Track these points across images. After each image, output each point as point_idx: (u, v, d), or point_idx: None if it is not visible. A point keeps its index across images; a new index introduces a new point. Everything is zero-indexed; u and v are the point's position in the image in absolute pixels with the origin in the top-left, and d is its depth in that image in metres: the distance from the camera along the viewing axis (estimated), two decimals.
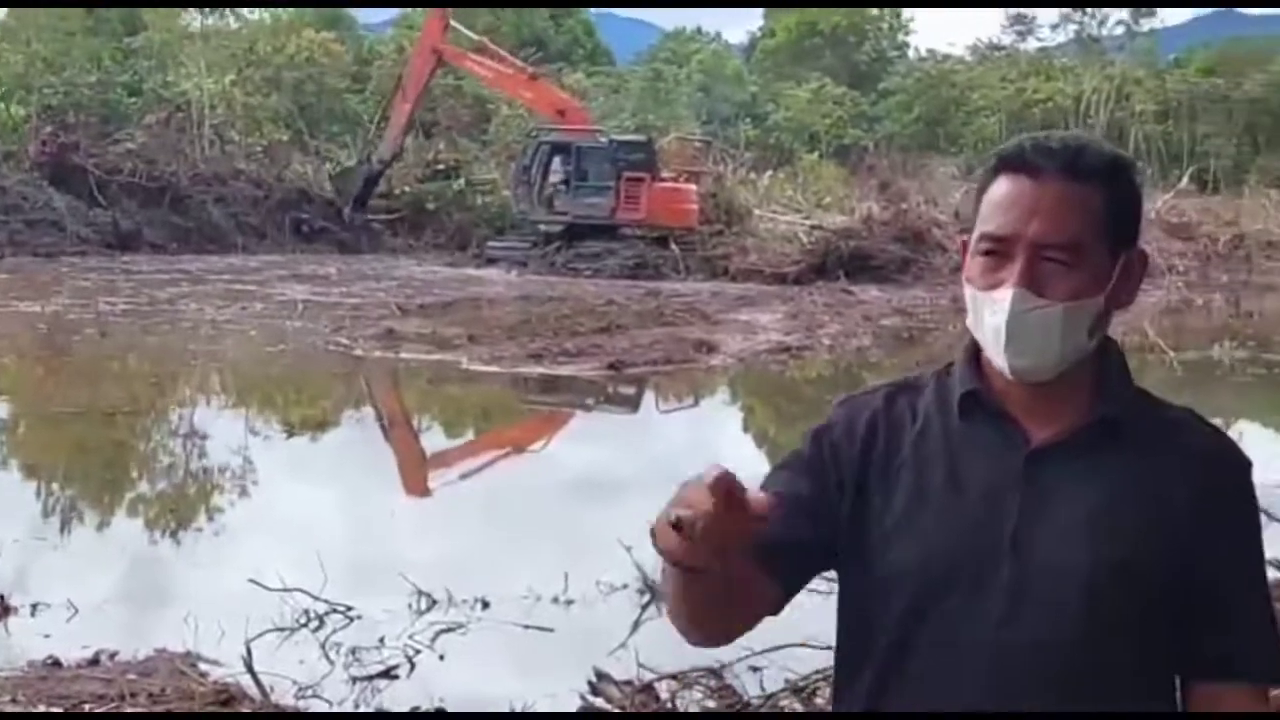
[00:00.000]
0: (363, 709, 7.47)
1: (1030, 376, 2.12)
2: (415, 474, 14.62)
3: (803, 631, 7.42)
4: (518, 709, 7.12)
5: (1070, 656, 2.08)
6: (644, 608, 9.05)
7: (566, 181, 37.92)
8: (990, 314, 2.11)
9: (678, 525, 1.80)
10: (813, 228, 37.89)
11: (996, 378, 2.17)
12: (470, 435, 17.81)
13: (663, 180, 37.54)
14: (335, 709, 7.38)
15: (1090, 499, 2.11)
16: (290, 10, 62.99)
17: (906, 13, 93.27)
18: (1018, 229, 2.09)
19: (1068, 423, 2.15)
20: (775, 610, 2.23)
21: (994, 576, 2.10)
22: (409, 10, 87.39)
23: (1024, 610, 2.08)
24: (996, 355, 2.13)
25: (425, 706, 7.28)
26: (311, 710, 7.33)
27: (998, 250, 2.12)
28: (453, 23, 41.92)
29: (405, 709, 7.37)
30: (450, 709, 7.23)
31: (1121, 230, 2.14)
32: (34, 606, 8.70)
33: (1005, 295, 2.09)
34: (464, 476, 14.19)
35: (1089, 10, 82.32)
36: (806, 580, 2.24)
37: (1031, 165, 2.12)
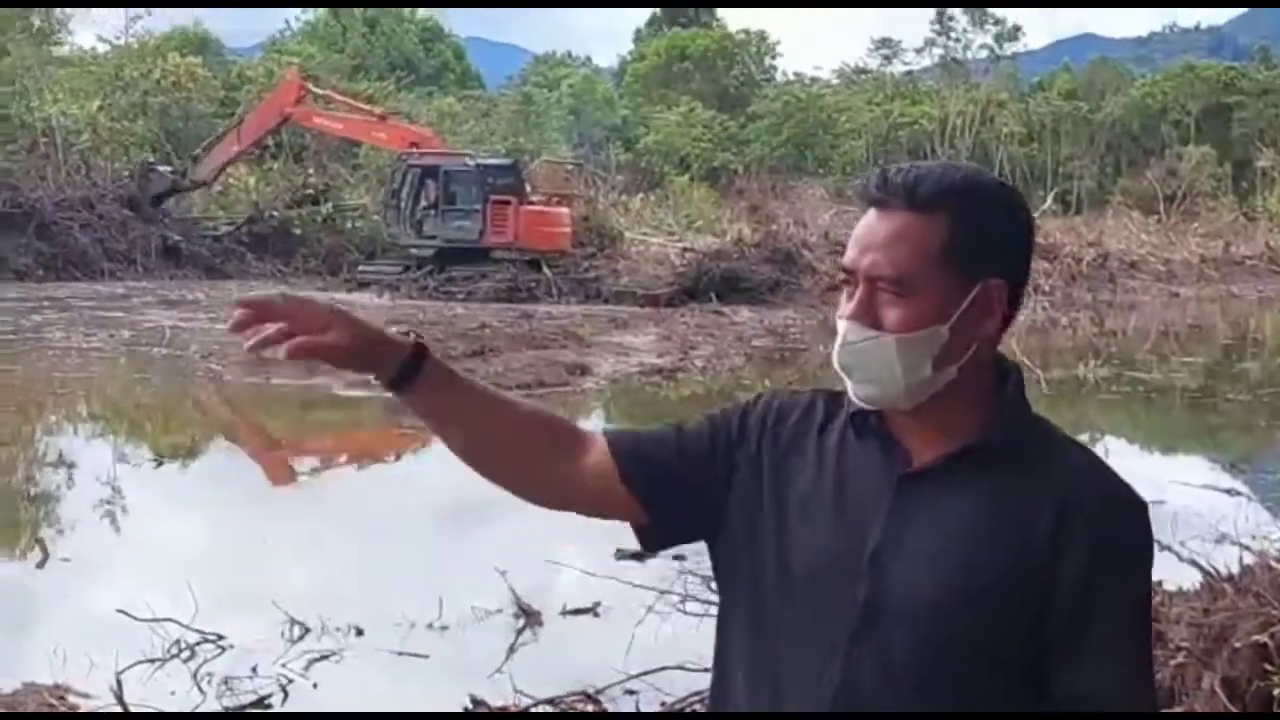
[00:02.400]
0: None
1: (881, 404, 2.16)
2: (281, 472, 14.51)
3: (678, 654, 7.52)
4: None
5: (919, 679, 2.09)
6: (519, 632, 9.06)
7: (435, 205, 37.83)
8: (835, 343, 2.17)
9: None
10: (684, 250, 38.07)
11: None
12: (341, 458, 17.71)
13: (531, 203, 37.57)
14: None
15: (949, 525, 2.12)
16: (157, 34, 62.40)
17: (773, 35, 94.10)
18: (856, 262, 2.14)
19: (946, 448, 2.16)
20: (636, 524, 2.32)
21: (851, 594, 2.12)
22: (278, 35, 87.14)
23: (875, 630, 2.11)
24: (845, 384, 2.18)
25: None
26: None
27: (848, 282, 2.16)
28: (310, 87, 42.41)
29: None
30: None
31: (973, 258, 2.12)
32: None
33: (840, 327, 2.14)
34: (317, 472, 14.08)
35: (953, 34, 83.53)
36: (663, 514, 2.30)
37: (875, 198, 2.16)
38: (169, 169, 43.93)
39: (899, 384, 2.12)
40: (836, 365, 2.16)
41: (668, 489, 2.28)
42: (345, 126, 41.54)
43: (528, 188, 39.00)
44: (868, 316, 2.12)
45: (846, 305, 2.15)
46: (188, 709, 7.56)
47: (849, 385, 2.17)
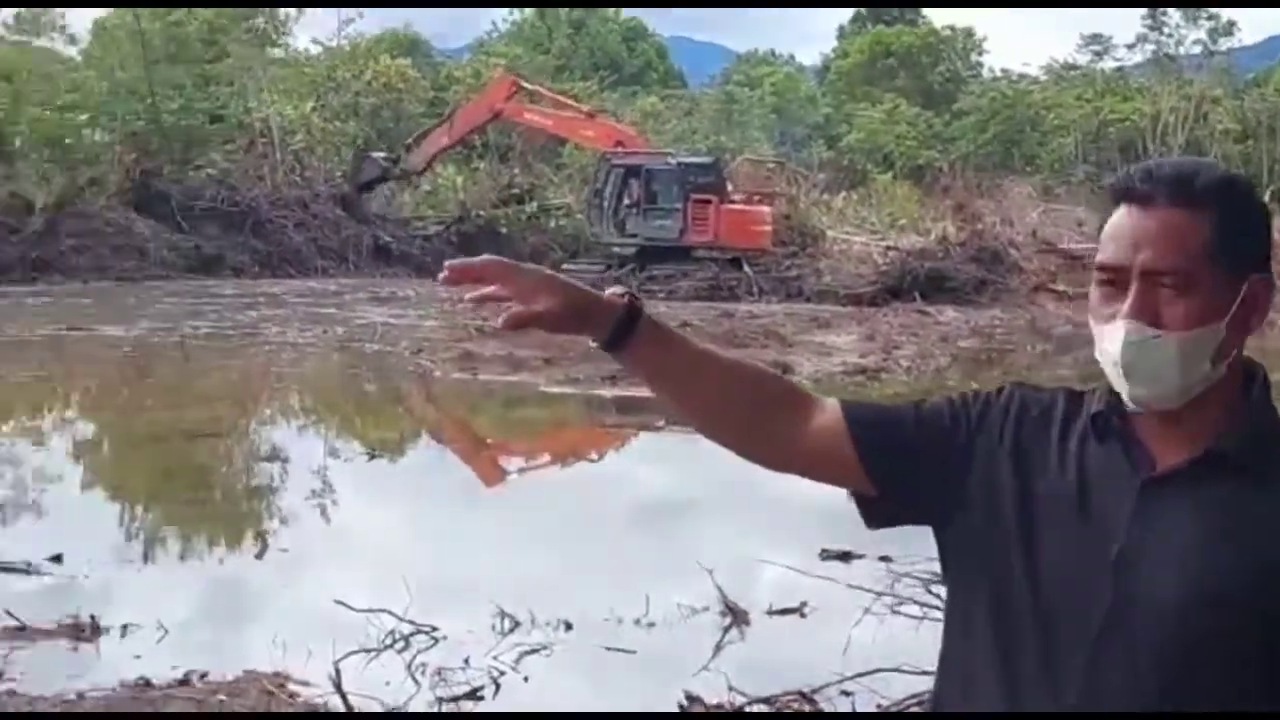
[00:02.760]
0: None
1: (1155, 405, 2.12)
2: (492, 473, 14.67)
3: (894, 657, 7.51)
4: None
5: (1164, 681, 2.07)
6: (725, 630, 9.11)
7: (637, 204, 38.05)
8: (1108, 345, 2.12)
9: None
10: (888, 248, 37.76)
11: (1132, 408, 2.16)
12: (548, 456, 17.91)
13: (732, 202, 37.59)
14: None
15: (1194, 529, 2.09)
16: (368, 36, 63.52)
17: (980, 32, 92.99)
18: (1127, 259, 2.10)
19: (1192, 452, 2.13)
20: (860, 495, 2.31)
21: (1096, 595, 2.10)
22: (486, 37, 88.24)
23: (1121, 632, 2.09)
24: (1118, 385, 2.14)
25: None
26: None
27: (1112, 281, 2.12)
28: (523, 84, 42.89)
29: None
30: None
31: (1240, 254, 2.11)
32: (124, 628, 8.80)
33: (1119, 328, 2.09)
34: (525, 471, 14.22)
35: (1165, 30, 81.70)
36: (893, 488, 2.28)
37: (1140, 194, 2.12)
38: (382, 156, 44.68)
39: (1176, 383, 2.10)
40: (1114, 368, 2.12)
41: (901, 463, 2.26)
42: (555, 123, 41.91)
43: (729, 186, 39.03)
44: (1147, 314, 2.08)
45: (1111, 305, 2.12)
46: (402, 699, 7.72)
47: (1124, 388, 2.13)
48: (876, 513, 2.34)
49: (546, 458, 17.70)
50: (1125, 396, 2.14)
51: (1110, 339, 2.12)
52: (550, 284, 2.20)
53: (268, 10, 55.45)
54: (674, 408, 2.30)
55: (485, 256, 2.22)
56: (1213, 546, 2.08)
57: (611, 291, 2.25)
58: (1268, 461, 2.12)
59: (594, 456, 17.41)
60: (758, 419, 2.29)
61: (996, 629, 2.19)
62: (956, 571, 2.30)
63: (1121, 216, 2.14)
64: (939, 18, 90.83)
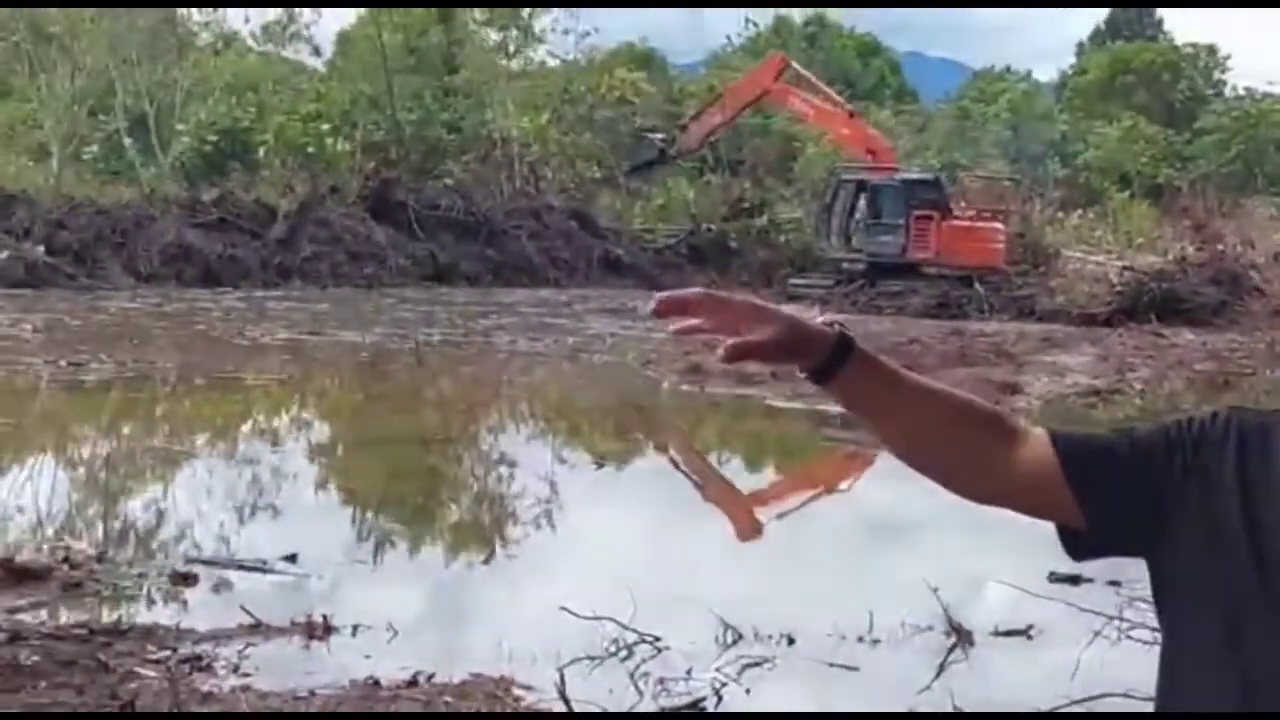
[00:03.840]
0: None
1: None
2: (742, 516, 14.58)
3: (1125, 681, 7.36)
4: None
5: None
6: (950, 650, 9.01)
7: (862, 219, 37.94)
8: None
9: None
10: (1123, 268, 37.06)
11: None
12: (771, 470, 17.89)
13: (956, 219, 37.23)
14: None
15: None
16: (604, 50, 64.13)
17: (1223, 49, 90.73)
18: None
19: None
20: (1066, 528, 2.25)
21: None
22: (720, 51, 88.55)
23: None
24: None
25: None
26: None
27: None
28: (794, 64, 42.90)
29: None
30: None
31: None
32: (355, 627, 8.97)
33: None
34: (780, 517, 14.17)
35: None
36: (1103, 522, 2.21)
37: None
38: (660, 137, 44.91)
39: None
40: None
41: (1112, 494, 2.19)
42: (815, 113, 41.76)
43: (956, 203, 38.67)
44: None
45: None
46: (624, 708, 7.77)
47: None
48: (1084, 546, 2.26)
49: (772, 471, 17.69)
50: None
51: None
52: (761, 314, 2.18)
53: (503, 25, 56.36)
54: (880, 438, 2.27)
55: (695, 290, 2.20)
56: None
57: (820, 321, 2.24)
58: None
59: (821, 472, 17.34)
60: (965, 450, 2.25)
61: (1234, 662, 2.10)
62: (1176, 604, 2.21)
63: None
64: (1180, 34, 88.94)
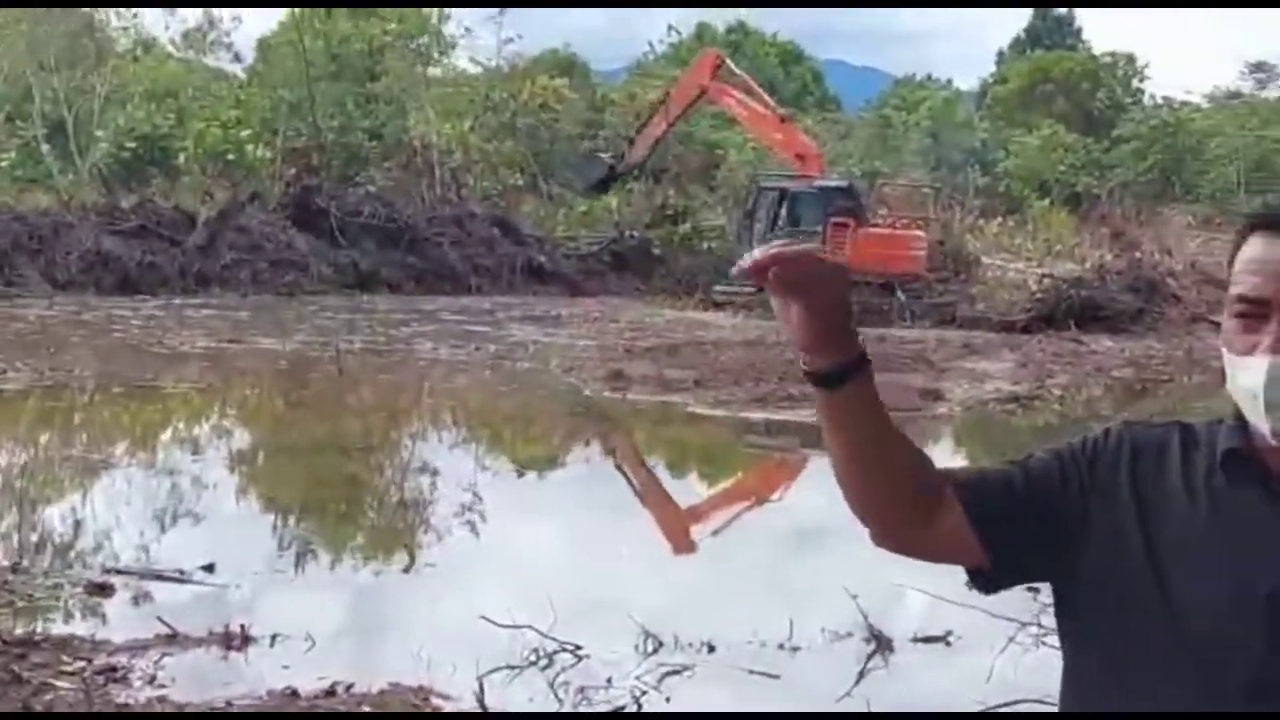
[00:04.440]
0: None
1: None
2: (677, 531, 14.54)
3: (1040, 687, 7.40)
4: None
5: None
6: (869, 657, 9.04)
7: (781, 227, 38.03)
8: (1246, 379, 2.07)
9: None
10: (1043, 276, 37.35)
11: (1260, 437, 2.11)
12: (694, 476, 17.90)
13: (873, 226, 37.42)
14: None
15: None
16: (526, 57, 64.03)
17: (1141, 59, 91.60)
18: (1269, 292, 2.05)
19: None
20: (971, 566, 2.26)
21: (1249, 642, 2.06)
22: (643, 58, 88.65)
23: (1276, 679, 2.04)
24: (1256, 419, 2.09)
25: None
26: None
27: (1251, 313, 2.07)
28: (728, 62, 42.96)
29: None
30: None
31: None
32: (273, 638, 8.92)
33: (1261, 363, 2.04)
34: (715, 534, 14.13)
35: None
36: (1007, 558, 2.23)
37: None
38: (609, 155, 44.82)
39: None
40: (1255, 403, 2.07)
41: (1014, 529, 2.21)
42: (749, 116, 41.78)
43: (877, 210, 38.85)
44: None
45: (1250, 338, 2.08)
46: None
47: (1263, 420, 2.07)
48: (992, 582, 2.30)
49: (694, 479, 17.71)
50: (1266, 431, 2.08)
51: (1250, 373, 2.07)
52: (842, 276, 2.21)
53: (426, 31, 56.27)
54: (840, 459, 2.24)
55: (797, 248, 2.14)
56: None
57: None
58: None
59: (740, 478, 17.38)
60: (911, 502, 2.24)
61: (1141, 670, 2.13)
62: (1074, 622, 2.25)
63: (1262, 248, 2.08)
64: (1099, 43, 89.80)
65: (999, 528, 2.22)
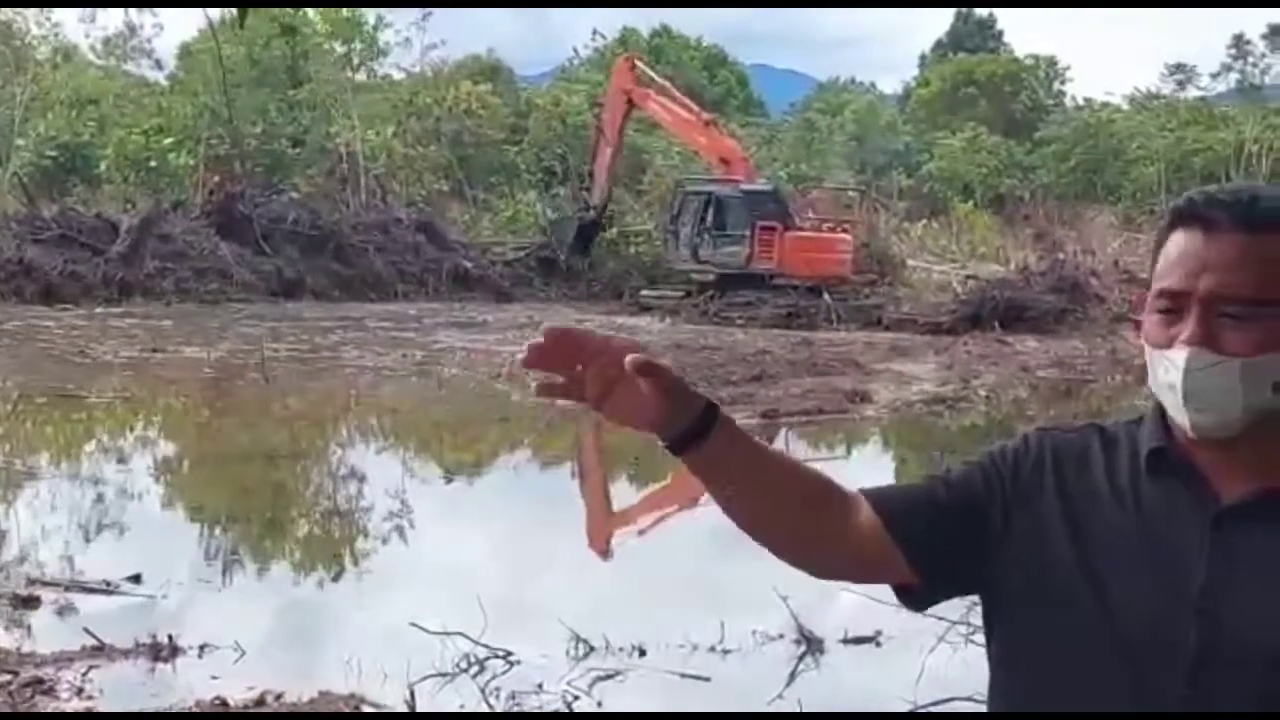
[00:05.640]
0: None
1: (1213, 433, 2.07)
2: (596, 531, 14.58)
3: (969, 685, 7.45)
4: None
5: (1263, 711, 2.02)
6: (800, 659, 9.07)
7: (708, 231, 38.13)
8: (1165, 372, 2.08)
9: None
10: (967, 277, 37.62)
11: (1183, 434, 2.11)
12: (625, 479, 17.91)
13: (799, 229, 37.57)
14: None
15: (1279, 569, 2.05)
16: (450, 63, 63.90)
17: (1062, 61, 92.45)
18: (1190, 285, 2.05)
19: (1261, 483, 2.08)
20: (899, 584, 2.25)
21: (1182, 633, 2.05)
22: (567, 63, 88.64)
23: (1210, 675, 2.04)
24: (1176, 413, 2.09)
25: None
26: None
27: (1172, 307, 2.07)
28: (640, 65, 42.88)
29: None
30: None
31: None
32: (202, 648, 8.87)
33: (1180, 354, 2.04)
34: (641, 534, 14.18)
35: (1250, 59, 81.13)
36: (935, 573, 2.22)
37: (1204, 218, 2.07)
38: (577, 212, 44.36)
39: (1238, 411, 2.04)
40: (1174, 395, 2.07)
41: (939, 545, 2.20)
42: (673, 120, 41.76)
43: (800, 214, 39.00)
44: (1208, 340, 2.03)
45: (1169, 331, 2.08)
46: None
47: (1184, 416, 2.08)
48: (919, 598, 2.28)
49: (623, 483, 17.71)
50: (1186, 425, 2.09)
51: (1170, 366, 2.07)
52: (650, 363, 2.07)
53: (348, 38, 56.07)
54: (728, 512, 2.20)
55: (553, 327, 2.09)
56: None
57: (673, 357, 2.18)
58: None
59: (674, 483, 17.40)
60: (818, 531, 2.22)
61: (1074, 673, 2.13)
62: (1003, 629, 2.24)
63: (1182, 241, 2.09)
64: (1021, 46, 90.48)
65: (924, 543, 2.20)
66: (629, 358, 2.05)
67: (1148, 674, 2.08)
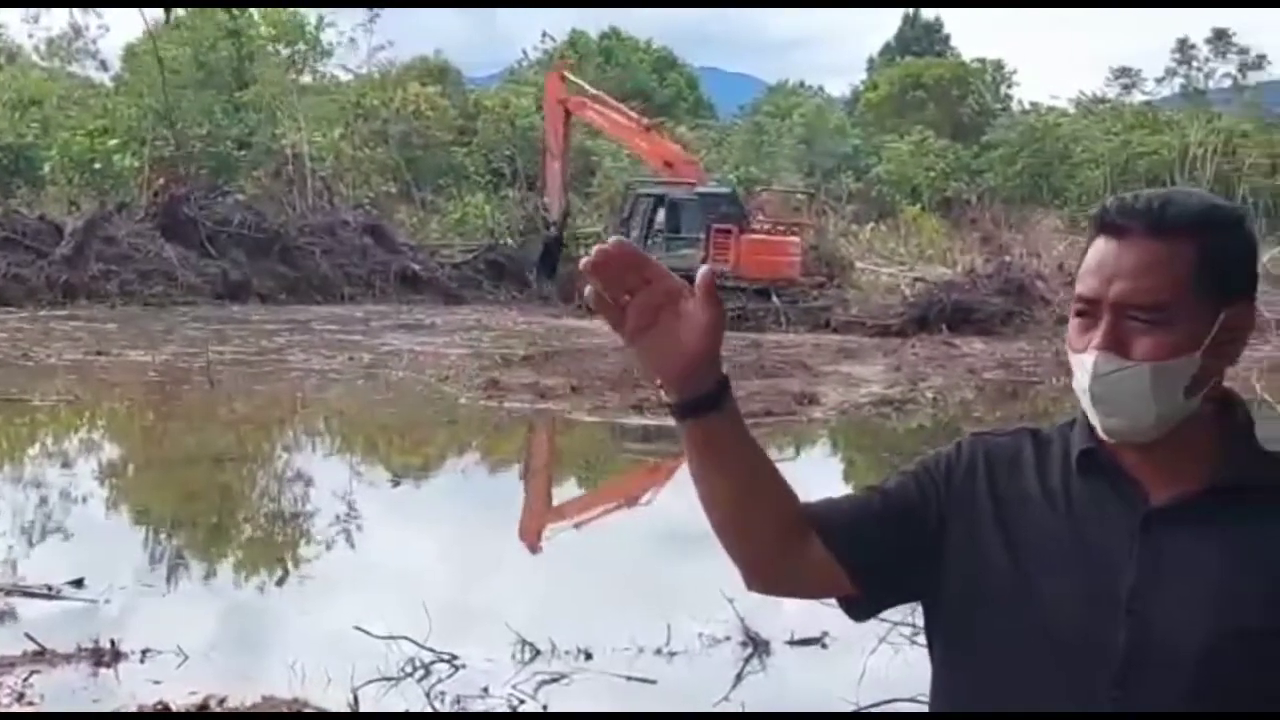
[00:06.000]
0: None
1: (1127, 437, 2.10)
2: (529, 525, 14.61)
3: (912, 686, 7.46)
4: None
5: (1195, 709, 2.05)
6: (746, 660, 9.07)
7: (660, 233, 38.12)
8: (1079, 375, 2.11)
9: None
10: (915, 280, 37.78)
11: (1111, 440, 2.14)
12: (573, 482, 17.90)
13: (754, 232, 37.62)
14: None
15: (1210, 565, 2.07)
16: (398, 64, 63.73)
17: (1009, 65, 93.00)
18: (1101, 291, 2.08)
19: (1187, 485, 2.11)
20: (842, 596, 2.26)
21: (1109, 638, 2.08)
22: (515, 65, 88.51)
23: (1140, 676, 2.06)
24: (1091, 416, 2.12)
25: None
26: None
27: (1087, 312, 2.11)
28: (568, 75, 42.79)
29: None
30: None
31: (1218, 285, 2.08)
32: (144, 652, 8.80)
33: (1089, 358, 2.08)
34: (578, 526, 14.21)
35: (1195, 63, 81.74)
36: (876, 584, 2.24)
37: (1116, 225, 2.10)
38: (544, 235, 44.08)
39: (1149, 415, 2.06)
40: (1086, 398, 2.10)
41: (879, 557, 2.22)
42: (612, 126, 41.80)
43: (752, 216, 39.03)
44: (1118, 345, 2.06)
45: (1085, 336, 2.10)
46: None
47: (1096, 419, 2.11)
48: (861, 608, 2.30)
49: (571, 485, 17.70)
50: (1099, 428, 2.12)
51: (1081, 370, 2.11)
52: (708, 297, 2.11)
53: (293, 39, 55.84)
54: (709, 495, 2.20)
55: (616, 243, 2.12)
56: (1230, 582, 2.06)
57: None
58: (1267, 489, 2.11)
59: (618, 483, 17.37)
60: (781, 531, 2.22)
61: (1011, 675, 2.16)
62: (943, 635, 2.27)
63: (1098, 248, 2.12)
64: (968, 50, 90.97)
65: (864, 554, 2.22)
66: (703, 270, 2.09)
67: (1080, 675, 2.10)
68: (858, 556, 2.22)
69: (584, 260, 2.08)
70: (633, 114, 41.75)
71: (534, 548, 13.54)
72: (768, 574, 2.29)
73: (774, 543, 2.23)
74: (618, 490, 16.99)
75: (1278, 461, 2.16)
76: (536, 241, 43.46)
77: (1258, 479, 2.11)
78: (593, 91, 42.69)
